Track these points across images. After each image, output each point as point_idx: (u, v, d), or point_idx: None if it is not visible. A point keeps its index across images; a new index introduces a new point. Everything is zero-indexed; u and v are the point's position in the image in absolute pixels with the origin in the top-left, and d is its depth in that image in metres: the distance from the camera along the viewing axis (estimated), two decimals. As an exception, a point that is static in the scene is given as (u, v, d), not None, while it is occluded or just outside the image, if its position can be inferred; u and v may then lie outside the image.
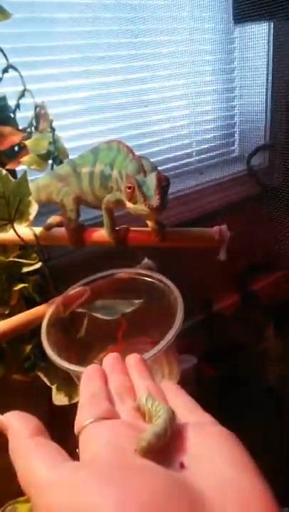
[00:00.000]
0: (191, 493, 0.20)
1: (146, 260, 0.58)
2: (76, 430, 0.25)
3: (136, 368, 0.32)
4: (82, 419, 0.25)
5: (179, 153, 0.99)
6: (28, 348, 0.57)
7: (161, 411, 0.25)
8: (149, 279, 0.55)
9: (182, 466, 0.22)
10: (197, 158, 1.03)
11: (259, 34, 1.00)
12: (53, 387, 0.54)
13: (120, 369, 0.32)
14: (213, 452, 0.23)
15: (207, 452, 0.23)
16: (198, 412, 0.27)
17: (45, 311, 0.50)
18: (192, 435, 0.24)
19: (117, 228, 0.51)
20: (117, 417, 0.26)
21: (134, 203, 0.43)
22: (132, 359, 0.33)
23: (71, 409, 0.53)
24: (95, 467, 0.21)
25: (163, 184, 0.42)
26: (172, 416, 0.24)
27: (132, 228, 0.52)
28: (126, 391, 0.29)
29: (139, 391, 0.29)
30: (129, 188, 0.42)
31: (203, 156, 1.04)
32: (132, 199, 0.43)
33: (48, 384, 0.55)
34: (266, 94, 1.05)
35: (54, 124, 0.62)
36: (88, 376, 0.30)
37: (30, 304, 0.56)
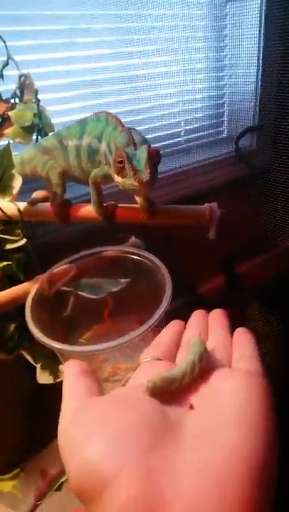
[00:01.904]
0: (165, 435, 0.21)
1: (133, 238, 0.57)
2: (133, 368, 0.29)
3: (215, 320, 0.34)
4: (141, 358, 0.30)
5: (168, 132, 0.97)
6: (12, 326, 0.56)
7: (189, 356, 0.27)
8: (137, 258, 0.53)
9: (191, 407, 0.24)
10: (185, 138, 1.01)
11: (251, 11, 0.97)
12: (38, 366, 0.53)
13: (200, 323, 0.34)
14: (228, 396, 0.24)
15: (223, 396, 0.24)
16: (249, 361, 0.28)
17: (30, 288, 0.49)
18: (219, 379, 0.25)
19: (104, 204, 0.49)
20: (173, 360, 0.29)
21: (123, 177, 0.41)
22: (215, 313, 0.36)
23: (56, 388, 0.52)
24: (98, 403, 0.25)
25: (154, 159, 0.40)
26: (195, 364, 0.26)
27: (120, 205, 0.51)
28: None
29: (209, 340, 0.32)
30: (120, 162, 0.40)
31: (191, 136, 1.02)
32: (121, 173, 0.41)
33: (32, 363, 0.54)
34: (256, 75, 1.03)
35: (39, 97, 0.59)
36: (166, 328, 0.34)
37: (14, 282, 0.55)
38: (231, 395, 0.23)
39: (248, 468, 0.19)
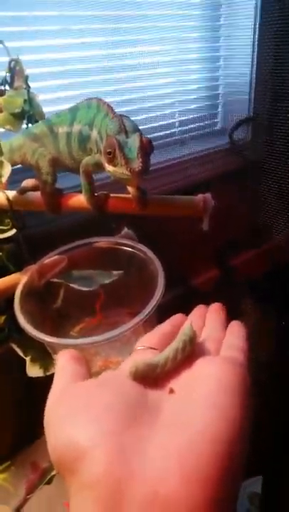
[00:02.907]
0: (143, 415, 0.23)
1: (126, 230, 0.56)
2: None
3: (212, 314, 0.36)
4: (136, 346, 0.31)
5: (162, 122, 0.96)
6: (2, 319, 0.55)
7: (173, 343, 0.28)
8: (129, 249, 0.53)
9: (171, 391, 0.26)
10: (180, 129, 1.00)
11: (246, 1, 0.96)
12: (27, 359, 0.52)
13: (199, 316, 0.36)
14: (204, 381, 0.25)
15: (200, 380, 0.25)
16: (233, 351, 0.29)
17: (19, 279, 0.47)
18: (200, 365, 0.27)
19: (96, 194, 0.48)
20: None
21: (115, 165, 0.40)
22: (212, 307, 0.37)
23: (47, 381, 0.51)
24: (83, 385, 0.26)
25: (147, 148, 0.39)
26: (178, 351, 0.27)
27: (112, 195, 0.49)
28: None
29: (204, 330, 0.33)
30: (109, 153, 0.39)
31: (185, 127, 1.01)
32: (112, 162, 0.40)
33: (22, 355, 0.53)
34: (251, 66, 1.02)
35: (30, 85, 0.57)
36: (168, 319, 0.35)
37: (4, 273, 0.54)
38: (207, 380, 0.25)
39: (212, 450, 0.20)
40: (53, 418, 0.24)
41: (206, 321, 0.35)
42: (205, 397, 0.23)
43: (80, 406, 0.24)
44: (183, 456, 0.20)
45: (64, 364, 0.30)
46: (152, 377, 0.26)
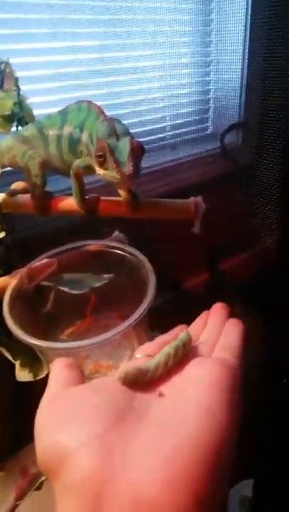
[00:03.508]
0: (129, 418, 0.22)
1: (117, 233, 0.56)
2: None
3: (213, 314, 0.36)
4: (134, 353, 0.31)
5: (153, 126, 0.96)
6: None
7: (165, 349, 0.28)
8: (120, 252, 0.52)
9: (161, 395, 0.25)
10: (171, 133, 1.00)
11: (237, 6, 0.97)
12: (17, 363, 0.52)
13: (202, 321, 0.35)
14: (193, 383, 0.25)
15: (190, 382, 0.25)
16: (226, 352, 0.29)
17: (8, 282, 0.47)
18: (191, 367, 0.27)
19: (86, 197, 0.48)
20: None
21: (106, 169, 0.39)
22: (214, 307, 0.37)
23: (36, 386, 0.51)
24: (73, 390, 0.26)
25: (138, 152, 0.39)
26: (170, 356, 0.27)
27: (102, 198, 0.49)
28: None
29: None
30: (100, 157, 0.39)
31: (177, 131, 1.01)
32: (103, 165, 0.40)
33: (11, 360, 0.52)
34: (242, 71, 1.03)
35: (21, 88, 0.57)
36: (173, 329, 0.35)
37: (-7, 277, 0.53)
38: (196, 381, 0.25)
39: (198, 452, 0.20)
40: (42, 424, 0.24)
41: (208, 323, 0.35)
42: (193, 399, 0.23)
43: (67, 411, 0.24)
44: (167, 459, 0.20)
45: (57, 371, 0.30)
46: (143, 382, 0.26)
